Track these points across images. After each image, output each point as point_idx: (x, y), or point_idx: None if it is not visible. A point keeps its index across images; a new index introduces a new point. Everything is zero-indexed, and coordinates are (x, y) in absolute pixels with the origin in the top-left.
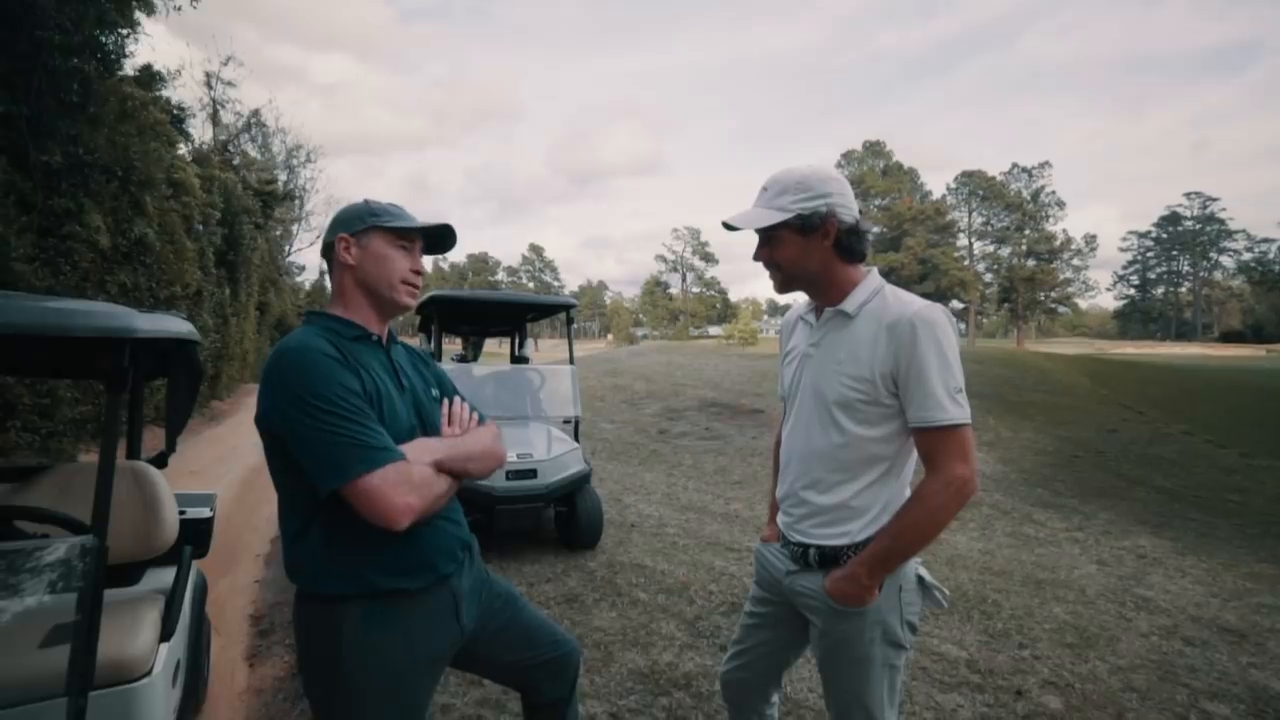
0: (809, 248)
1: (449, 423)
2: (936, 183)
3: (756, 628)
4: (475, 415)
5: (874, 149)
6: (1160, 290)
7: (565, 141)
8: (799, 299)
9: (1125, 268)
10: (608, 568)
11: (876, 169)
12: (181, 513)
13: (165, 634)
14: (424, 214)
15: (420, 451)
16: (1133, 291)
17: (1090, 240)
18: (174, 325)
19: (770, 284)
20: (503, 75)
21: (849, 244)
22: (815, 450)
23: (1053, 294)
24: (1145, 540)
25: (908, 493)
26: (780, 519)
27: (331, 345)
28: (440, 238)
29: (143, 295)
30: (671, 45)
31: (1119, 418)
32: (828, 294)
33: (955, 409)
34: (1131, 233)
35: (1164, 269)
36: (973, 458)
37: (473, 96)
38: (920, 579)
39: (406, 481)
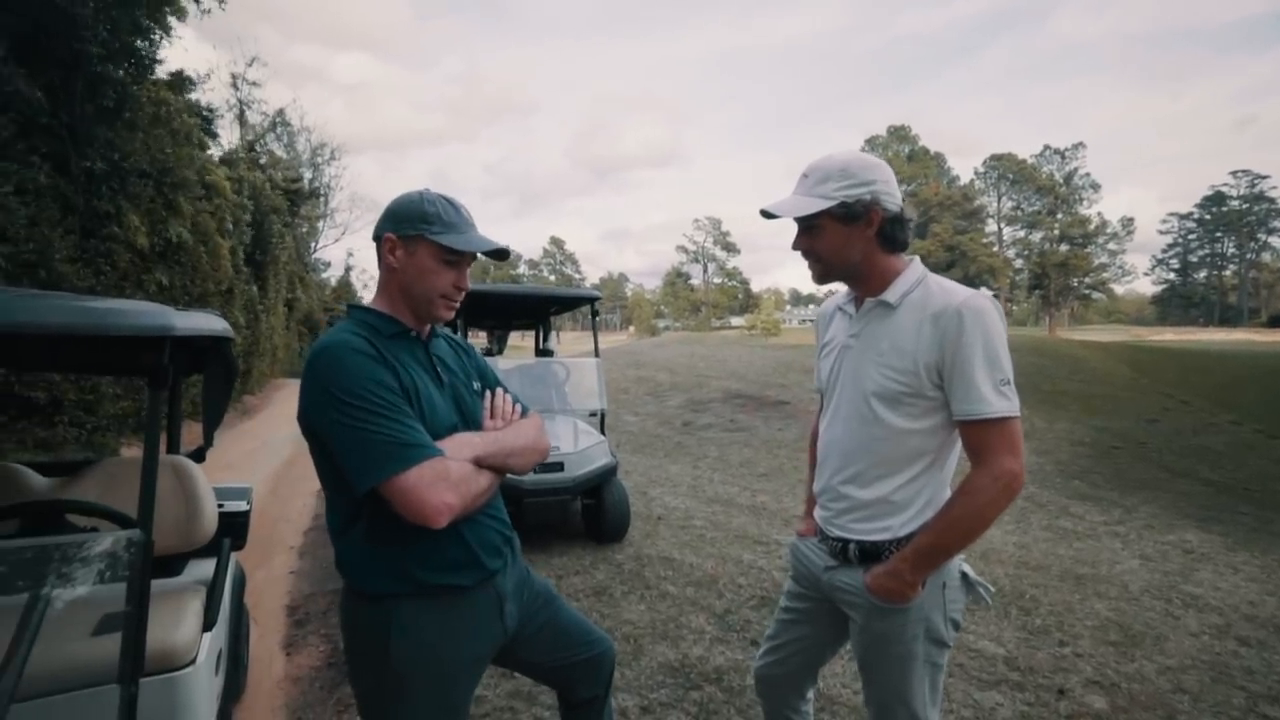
0: (851, 237)
1: (491, 415)
2: (964, 167)
3: (793, 623)
4: (518, 407)
5: (899, 134)
6: (1203, 274)
7: (584, 134)
8: (835, 289)
9: (1165, 251)
10: (635, 560)
11: (901, 154)
12: (220, 506)
13: (207, 624)
14: None
15: (459, 447)
16: (1173, 276)
17: (1127, 223)
18: (210, 323)
19: (809, 274)
20: (519, 69)
21: (892, 233)
22: (856, 444)
23: (1087, 279)
24: (1192, 535)
25: (949, 490)
26: (818, 513)
27: (367, 342)
28: (494, 252)
29: (177, 293)
30: (689, 34)
31: (1160, 407)
32: (869, 284)
33: (1002, 401)
34: (1171, 214)
35: (1207, 252)
36: (1021, 452)
37: (490, 91)
38: (964, 575)
39: (444, 479)
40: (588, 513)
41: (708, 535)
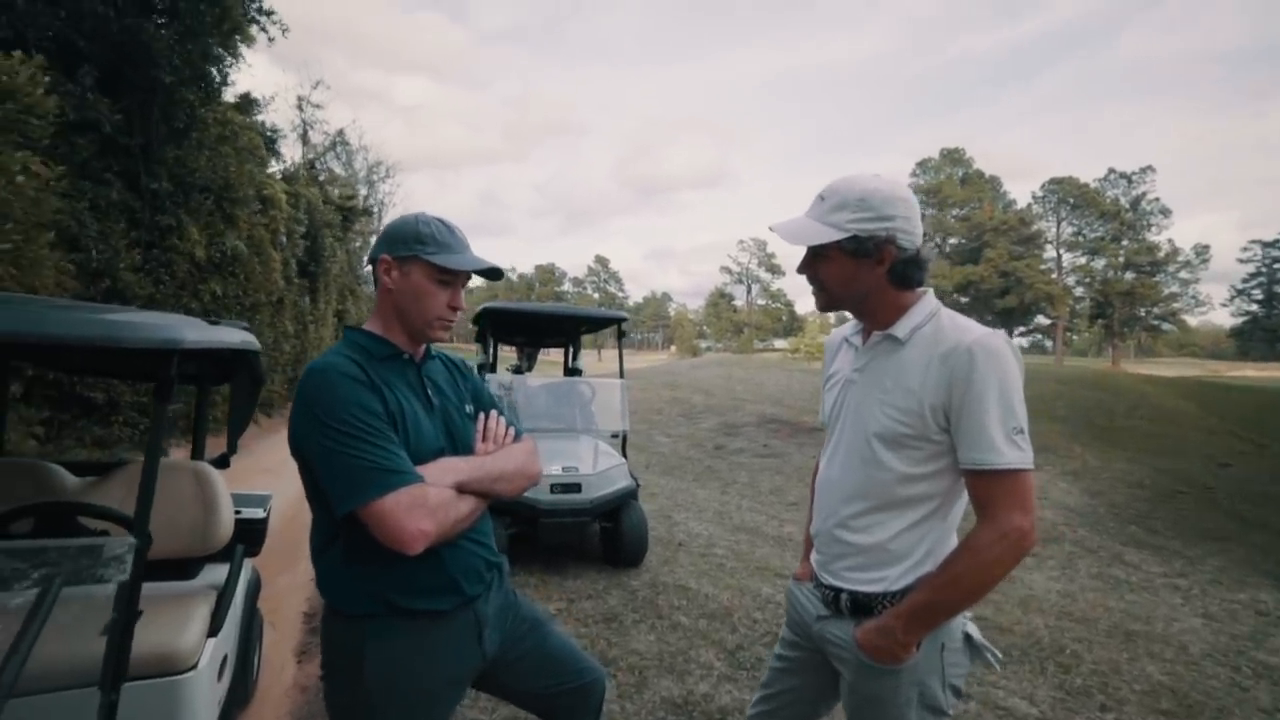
0: (859, 272)
1: (483, 438)
2: (1021, 192)
3: (785, 672)
4: (511, 431)
5: (952, 156)
6: None
7: (631, 154)
8: (848, 317)
9: (1246, 280)
10: (650, 587)
11: (955, 178)
12: (237, 512)
13: (213, 629)
14: (494, 226)
15: (441, 473)
16: (1255, 307)
17: (1201, 251)
18: (229, 336)
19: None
20: (572, 91)
21: (904, 273)
22: (854, 485)
23: (1155, 309)
24: (1267, 595)
25: (954, 539)
26: (814, 557)
27: (356, 365)
28: (486, 271)
29: (230, 302)
30: (740, 59)
31: (1233, 450)
32: (876, 317)
33: (1014, 452)
34: (1254, 241)
35: None
36: (1031, 508)
37: (542, 113)
38: (968, 637)
39: (421, 505)
40: (605, 536)
41: (728, 565)
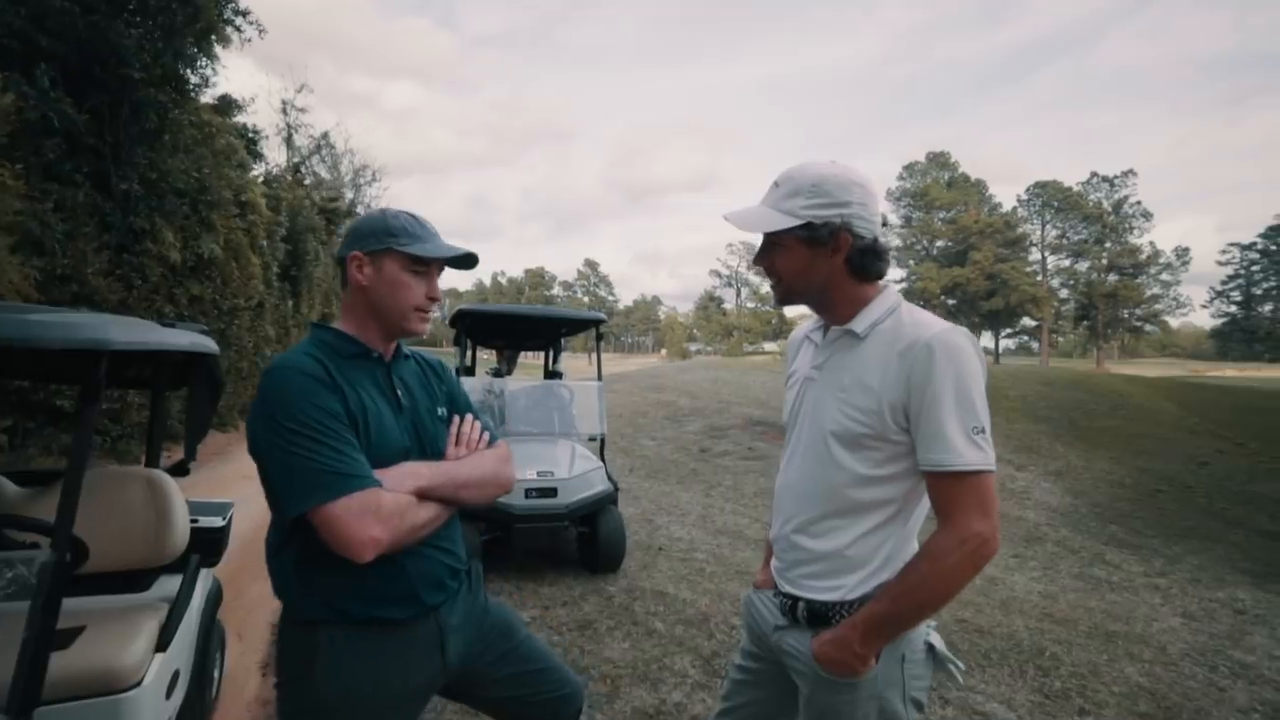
0: (815, 261)
1: (455, 442)
2: (1006, 195)
3: (745, 684)
4: (485, 435)
5: (938, 160)
6: (1268, 307)
7: (620, 158)
8: (810, 313)
9: (1225, 282)
10: (627, 593)
11: (941, 181)
12: (194, 521)
13: (162, 644)
14: (482, 230)
15: (401, 478)
16: (1234, 308)
17: (1182, 253)
18: (177, 338)
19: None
20: (560, 95)
21: (862, 263)
22: (810, 488)
23: (1138, 311)
24: (1245, 594)
25: (914, 546)
26: (773, 564)
27: (319, 363)
28: (461, 259)
29: (208, 307)
30: (728, 63)
31: (1212, 448)
32: (835, 311)
33: (973, 452)
34: (1232, 244)
35: (1273, 284)
36: (993, 512)
37: (530, 117)
38: (930, 647)
39: (373, 512)
40: (582, 541)
41: (708, 569)
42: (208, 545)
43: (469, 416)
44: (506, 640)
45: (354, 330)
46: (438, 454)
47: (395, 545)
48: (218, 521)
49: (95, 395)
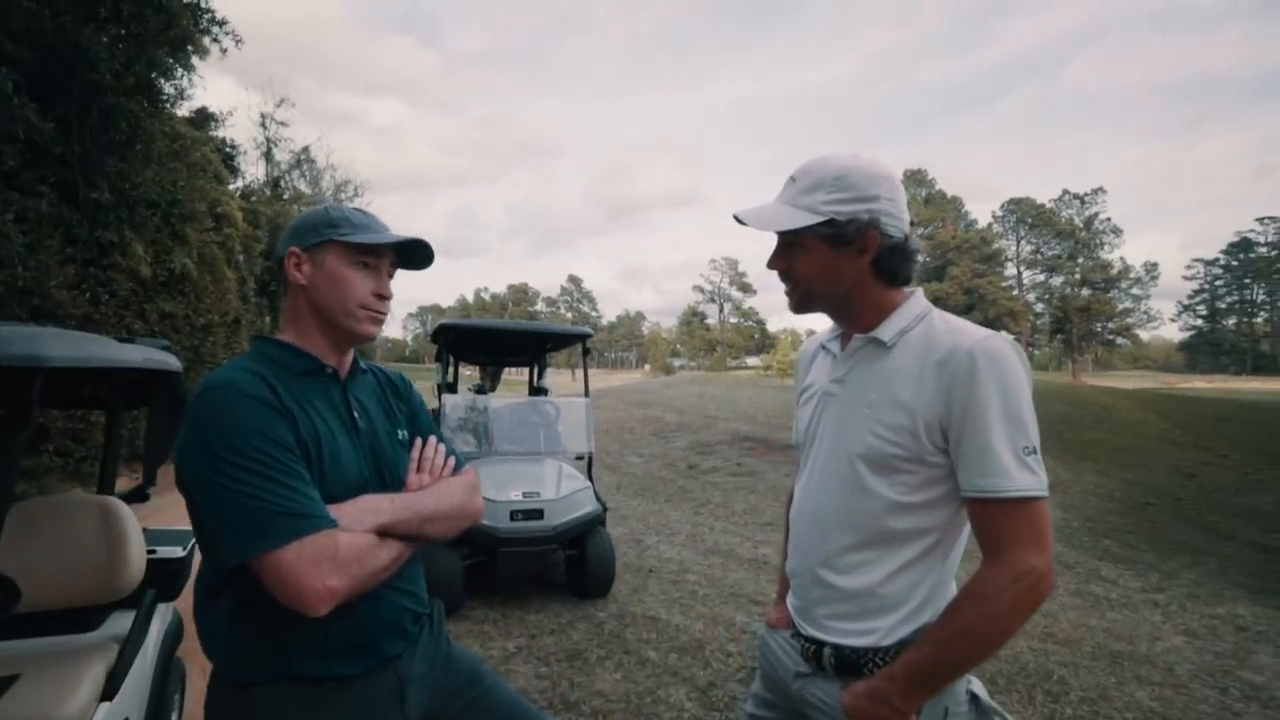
0: (839, 263)
1: (418, 469)
2: (981, 212)
3: None
4: (450, 461)
5: (916, 178)
6: (1232, 320)
7: (603, 176)
8: (824, 322)
9: (1191, 297)
10: (618, 619)
11: (919, 197)
12: (151, 551)
13: (109, 691)
14: (467, 247)
15: (359, 515)
16: (1200, 322)
17: (1151, 268)
18: (133, 354)
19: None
20: (544, 114)
21: (891, 265)
22: (836, 517)
23: (1110, 325)
24: (1245, 610)
25: (954, 584)
26: (791, 602)
27: (264, 382)
28: (413, 253)
29: (180, 323)
30: (712, 85)
31: (1197, 460)
32: (858, 319)
33: (1025, 476)
34: (1197, 260)
35: (1235, 298)
36: (1049, 544)
37: (515, 135)
38: (973, 696)
39: (330, 558)
40: (570, 565)
41: (700, 592)
42: (166, 578)
43: (432, 439)
44: (474, 686)
45: (298, 340)
46: (398, 483)
47: (354, 593)
48: (178, 552)
49: (26, 417)
